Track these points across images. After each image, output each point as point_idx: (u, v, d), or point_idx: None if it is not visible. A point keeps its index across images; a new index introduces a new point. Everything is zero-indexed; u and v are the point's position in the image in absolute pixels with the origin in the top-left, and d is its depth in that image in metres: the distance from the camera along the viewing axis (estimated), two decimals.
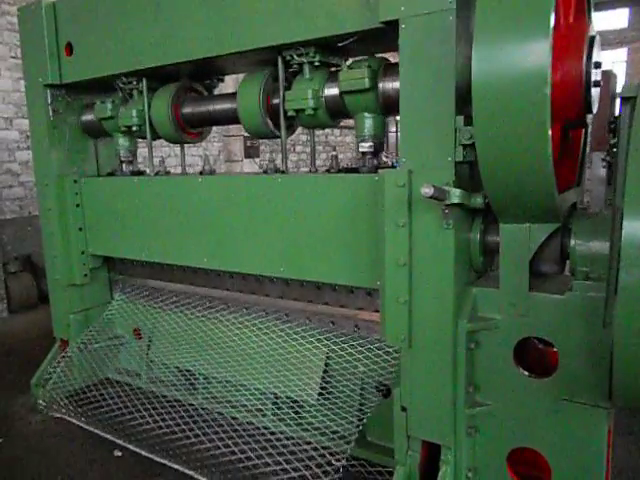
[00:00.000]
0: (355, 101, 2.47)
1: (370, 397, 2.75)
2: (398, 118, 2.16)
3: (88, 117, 3.63)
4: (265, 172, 2.89)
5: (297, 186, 2.65)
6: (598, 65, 1.88)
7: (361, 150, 2.53)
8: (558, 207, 1.86)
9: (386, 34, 2.16)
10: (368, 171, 2.50)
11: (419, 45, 2.00)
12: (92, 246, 3.64)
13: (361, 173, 2.52)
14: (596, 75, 1.89)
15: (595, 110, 2.00)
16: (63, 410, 3.38)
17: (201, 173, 3.22)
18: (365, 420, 2.61)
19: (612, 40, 18.70)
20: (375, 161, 2.54)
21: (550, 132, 1.66)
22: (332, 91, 2.54)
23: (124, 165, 3.57)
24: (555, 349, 2.00)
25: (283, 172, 2.80)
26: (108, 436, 3.10)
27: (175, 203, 3.14)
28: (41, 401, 3.50)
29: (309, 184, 2.62)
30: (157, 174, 3.41)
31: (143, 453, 2.92)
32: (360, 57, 2.56)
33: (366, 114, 2.49)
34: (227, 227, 2.93)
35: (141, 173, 3.58)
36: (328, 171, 2.71)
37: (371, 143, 2.51)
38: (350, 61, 2.56)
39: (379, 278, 2.22)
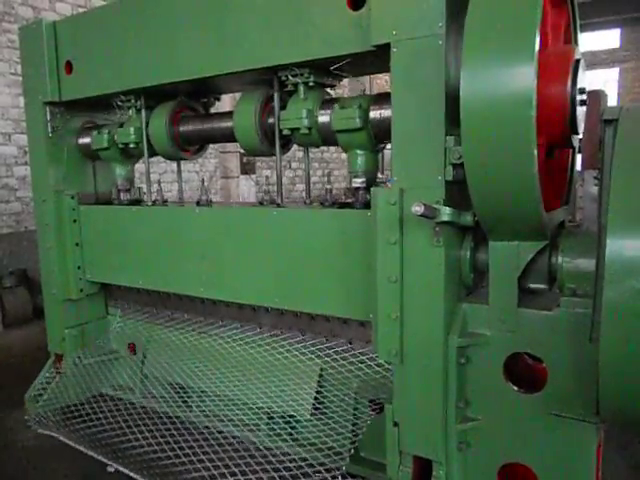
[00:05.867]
0: (348, 139, 2.54)
1: (364, 412, 2.76)
2: None
3: (85, 140, 3.66)
4: (261, 203, 2.95)
5: (292, 219, 2.71)
6: (583, 90, 1.95)
7: (354, 185, 2.60)
8: (545, 225, 1.91)
9: (379, 56, 2.22)
10: (361, 206, 2.56)
11: (410, 68, 2.06)
12: (89, 272, 3.67)
13: (354, 208, 2.58)
14: (581, 97, 1.95)
15: (581, 131, 2.06)
16: (53, 427, 3.35)
17: (198, 203, 3.27)
18: (359, 436, 2.62)
19: (604, 60, 19.00)
20: (368, 196, 2.57)
21: (536, 153, 1.71)
22: (325, 118, 2.61)
23: (122, 193, 3.61)
24: (544, 364, 2.03)
25: (279, 205, 2.86)
26: (100, 457, 3.05)
27: (172, 233, 3.20)
28: (29, 417, 3.47)
29: (304, 218, 2.68)
30: (154, 202, 3.47)
31: (132, 474, 2.89)
32: (351, 97, 2.62)
33: (358, 151, 2.56)
34: (223, 258, 2.98)
35: (139, 201, 3.63)
36: (322, 204, 2.77)
37: (364, 179, 2.57)
38: (342, 99, 2.62)
39: (372, 310, 2.26)
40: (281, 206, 2.86)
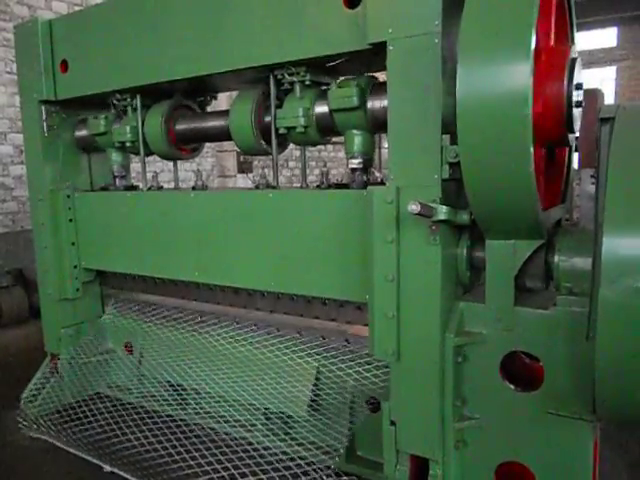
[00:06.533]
0: (344, 119, 2.51)
1: (360, 411, 2.76)
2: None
3: (82, 133, 3.67)
4: (257, 187, 2.93)
5: (288, 201, 2.69)
6: (579, 86, 1.94)
7: (351, 166, 2.57)
8: (542, 224, 1.91)
9: (375, 55, 2.22)
10: (358, 187, 2.54)
11: (406, 66, 2.05)
12: (85, 260, 3.65)
13: (351, 189, 2.56)
14: (577, 96, 1.95)
15: (577, 130, 2.06)
16: (48, 429, 3.32)
17: (194, 188, 3.26)
18: (351, 433, 2.62)
19: (601, 59, 19.05)
20: (364, 177, 2.58)
21: (532, 151, 1.71)
22: (322, 109, 2.59)
23: (117, 180, 3.60)
24: (541, 363, 2.03)
25: (274, 187, 2.84)
26: (94, 460, 3.02)
27: (168, 218, 3.17)
28: (25, 420, 3.44)
29: (300, 199, 2.66)
30: (150, 189, 3.45)
31: (128, 476, 2.86)
32: (350, 76, 2.62)
33: (355, 131, 2.54)
34: (219, 242, 2.95)
35: (134, 188, 3.61)
36: (319, 186, 2.75)
37: (360, 159, 2.55)
38: (340, 79, 2.62)
39: (368, 292, 2.25)
40: (277, 188, 2.84)
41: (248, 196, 2.87)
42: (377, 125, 2.49)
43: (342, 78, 2.66)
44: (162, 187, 3.55)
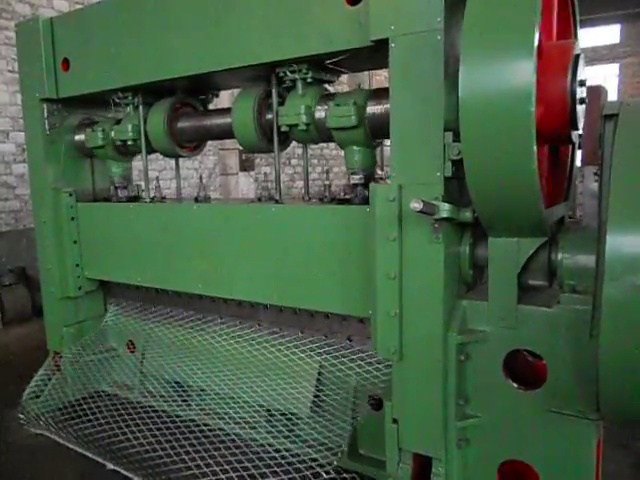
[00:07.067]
0: (344, 136, 2.53)
1: (362, 409, 2.75)
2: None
3: (82, 137, 3.64)
4: (259, 200, 2.94)
5: (291, 216, 2.70)
6: (583, 83, 1.93)
7: (352, 182, 2.59)
8: (545, 222, 1.90)
9: (377, 52, 2.21)
10: (359, 202, 2.55)
11: (409, 63, 2.04)
12: (87, 270, 3.66)
13: (353, 204, 2.57)
14: (581, 93, 1.94)
15: (581, 127, 2.05)
16: (50, 427, 3.32)
17: (196, 199, 3.26)
18: (352, 431, 2.62)
19: (604, 55, 18.97)
20: (366, 192, 2.57)
21: (535, 148, 1.70)
22: (323, 114, 2.59)
23: (119, 191, 3.60)
24: (544, 361, 2.02)
25: (277, 201, 2.85)
26: (96, 458, 3.02)
27: (170, 230, 3.18)
28: (27, 417, 3.44)
29: (302, 214, 2.67)
30: (153, 199, 3.45)
31: (130, 475, 2.86)
32: (346, 91, 2.62)
33: (355, 147, 2.55)
34: (221, 254, 2.97)
35: (137, 198, 3.61)
36: (321, 200, 2.76)
37: (361, 175, 2.56)
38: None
39: (370, 307, 2.24)
40: (279, 202, 2.84)
41: (251, 209, 2.88)
42: (377, 134, 2.50)
43: (341, 92, 2.65)
44: (165, 197, 3.55)
